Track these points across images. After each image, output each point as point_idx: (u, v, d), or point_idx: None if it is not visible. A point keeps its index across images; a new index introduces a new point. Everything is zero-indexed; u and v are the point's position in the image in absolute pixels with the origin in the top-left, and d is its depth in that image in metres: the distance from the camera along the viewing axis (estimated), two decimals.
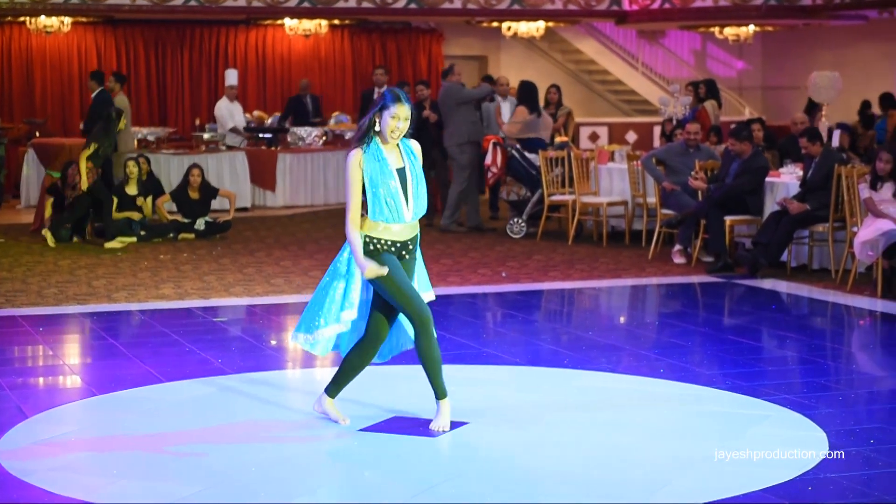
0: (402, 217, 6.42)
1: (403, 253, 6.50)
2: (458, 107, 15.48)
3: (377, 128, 6.39)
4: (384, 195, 6.36)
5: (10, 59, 21.35)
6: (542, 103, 16.79)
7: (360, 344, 6.61)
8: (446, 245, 14.13)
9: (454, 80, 15.83)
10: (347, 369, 6.67)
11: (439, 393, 6.56)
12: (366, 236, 6.43)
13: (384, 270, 6.33)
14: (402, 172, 6.42)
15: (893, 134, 15.36)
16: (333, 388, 6.73)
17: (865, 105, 19.49)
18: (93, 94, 16.68)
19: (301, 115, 19.87)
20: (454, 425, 6.58)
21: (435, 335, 6.48)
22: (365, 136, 6.41)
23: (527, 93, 15.80)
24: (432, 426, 6.56)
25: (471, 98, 15.68)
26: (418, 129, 17.68)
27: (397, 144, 6.45)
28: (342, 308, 6.53)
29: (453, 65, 16.49)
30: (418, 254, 6.64)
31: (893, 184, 10.85)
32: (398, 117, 6.33)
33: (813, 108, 16.93)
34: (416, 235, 6.56)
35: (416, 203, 6.43)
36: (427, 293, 6.67)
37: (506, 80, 17.47)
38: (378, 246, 6.44)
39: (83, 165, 14.12)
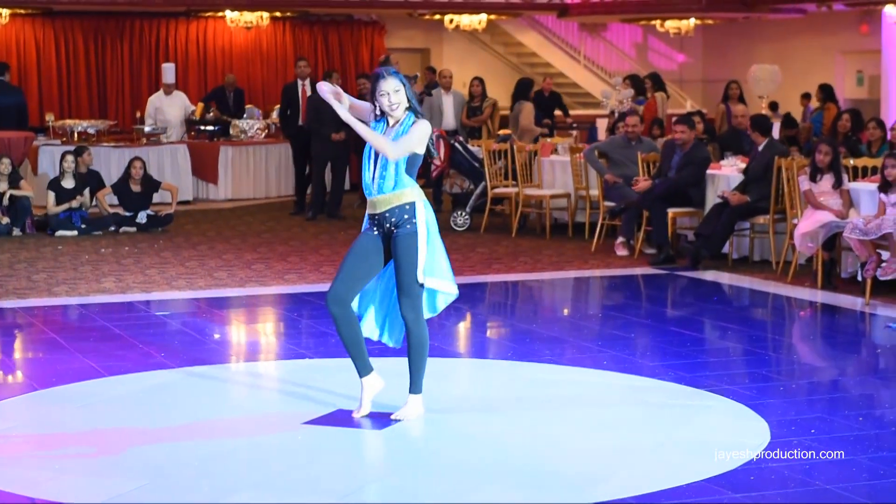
0: (369, 189, 6.55)
1: (387, 225, 6.52)
2: None
3: (377, 111, 6.55)
4: (361, 169, 6.59)
5: None
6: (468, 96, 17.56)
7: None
8: None
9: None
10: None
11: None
12: None
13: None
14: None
15: (831, 126, 15.48)
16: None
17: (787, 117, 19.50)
18: None
19: (221, 107, 19.67)
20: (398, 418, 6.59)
21: (337, 318, 6.52)
22: (376, 115, 6.59)
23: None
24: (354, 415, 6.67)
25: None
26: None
27: (404, 124, 6.49)
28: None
29: (388, 56, 16.53)
30: (414, 233, 6.48)
31: (832, 176, 10.95)
32: (386, 92, 6.46)
33: (727, 98, 17.04)
34: (399, 207, 6.48)
35: (380, 176, 6.49)
36: (431, 278, 6.59)
37: (448, 72, 17.49)
38: (367, 217, 6.62)
39: None
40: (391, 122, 6.53)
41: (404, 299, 6.52)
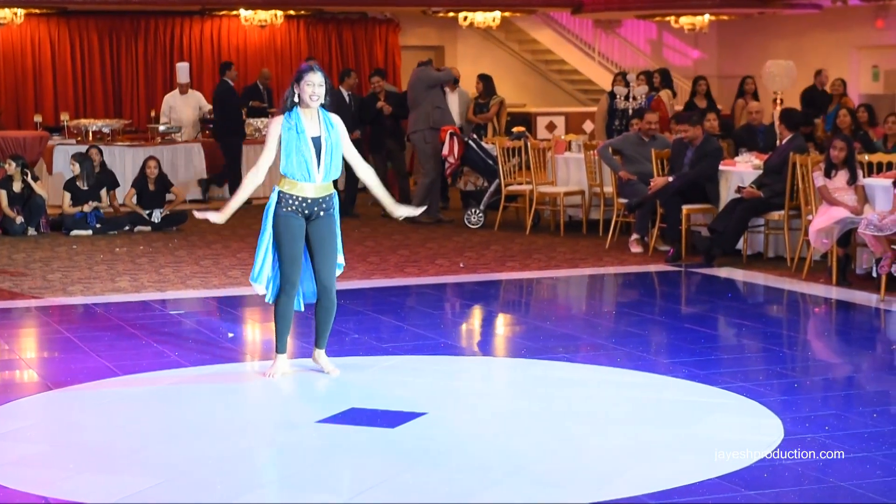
0: (312, 177, 7.21)
1: (316, 209, 7.28)
2: (427, 90, 15.49)
3: (296, 98, 7.21)
4: (296, 157, 7.18)
5: None
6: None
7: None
8: (404, 236, 14.12)
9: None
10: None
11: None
12: (280, 192, 7.28)
13: (210, 217, 7.50)
14: (317, 140, 7.21)
15: (836, 124, 15.44)
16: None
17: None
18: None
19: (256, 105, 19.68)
20: (412, 416, 6.59)
21: (293, 297, 7.42)
22: (286, 107, 7.24)
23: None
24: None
25: (438, 80, 15.68)
26: (373, 121, 17.64)
27: (319, 116, 7.24)
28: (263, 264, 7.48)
29: (431, 59, 16.74)
30: (335, 216, 7.38)
31: (847, 172, 10.92)
32: (312, 83, 7.17)
33: (743, 94, 16.94)
34: (331, 195, 7.33)
35: (327, 167, 7.22)
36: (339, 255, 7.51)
37: (456, 72, 17.49)
38: (290, 202, 7.25)
39: None
40: (309, 112, 7.19)
41: (327, 270, 7.35)
